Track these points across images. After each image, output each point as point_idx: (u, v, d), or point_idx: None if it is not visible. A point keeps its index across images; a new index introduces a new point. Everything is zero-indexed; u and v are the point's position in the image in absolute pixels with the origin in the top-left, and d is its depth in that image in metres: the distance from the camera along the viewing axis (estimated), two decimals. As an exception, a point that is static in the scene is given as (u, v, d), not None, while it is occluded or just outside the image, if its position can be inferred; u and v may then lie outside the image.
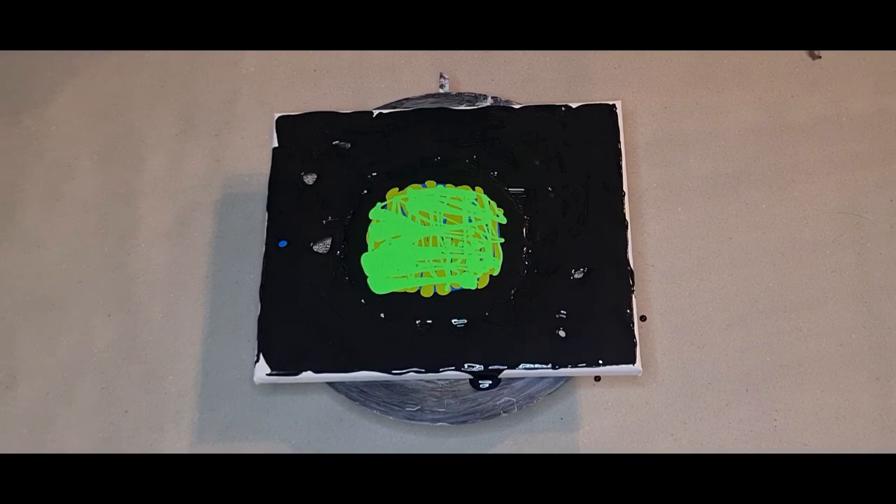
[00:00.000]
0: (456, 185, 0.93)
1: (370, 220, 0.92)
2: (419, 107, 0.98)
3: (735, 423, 0.89)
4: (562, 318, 0.87)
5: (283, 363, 0.87)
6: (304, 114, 0.96)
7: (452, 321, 0.87)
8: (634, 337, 0.86)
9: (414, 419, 0.87)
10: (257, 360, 0.87)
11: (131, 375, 0.93)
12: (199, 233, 0.99)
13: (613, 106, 0.95)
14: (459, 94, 1.00)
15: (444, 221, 0.91)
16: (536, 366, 0.85)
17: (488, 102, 0.98)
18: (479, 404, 0.88)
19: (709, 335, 0.92)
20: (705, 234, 0.96)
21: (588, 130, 0.94)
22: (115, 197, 1.01)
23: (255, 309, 0.90)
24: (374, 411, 0.88)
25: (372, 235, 0.91)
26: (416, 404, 0.88)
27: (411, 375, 0.86)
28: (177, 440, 0.91)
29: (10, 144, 1.04)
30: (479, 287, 0.89)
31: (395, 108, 0.99)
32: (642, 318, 0.93)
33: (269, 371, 0.87)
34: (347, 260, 0.90)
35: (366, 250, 0.91)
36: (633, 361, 0.85)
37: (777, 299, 0.93)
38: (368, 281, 0.89)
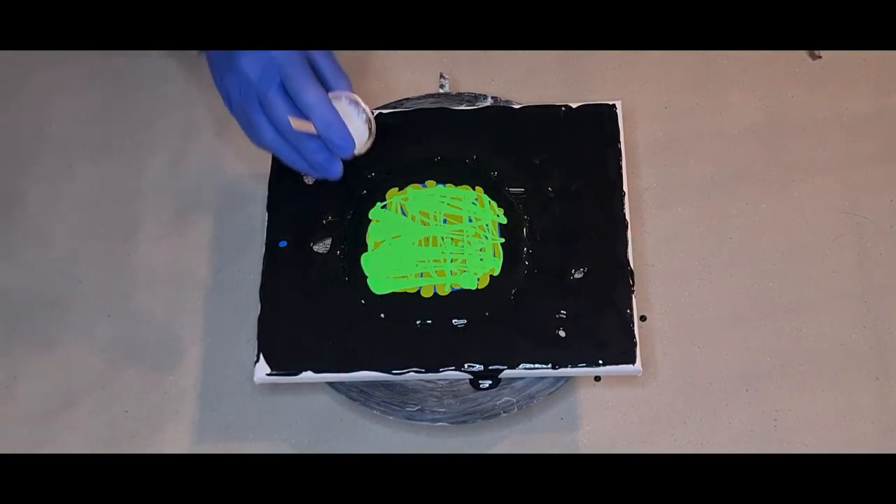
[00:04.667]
0: (456, 185, 0.93)
1: (370, 220, 0.92)
2: (419, 107, 0.98)
3: (735, 423, 0.89)
4: (562, 318, 0.87)
5: (283, 363, 0.87)
6: (304, 114, 0.95)
7: (452, 321, 0.87)
8: (634, 337, 0.86)
9: (414, 419, 0.87)
10: (257, 360, 0.87)
11: (131, 375, 0.93)
12: (199, 233, 0.99)
13: (613, 106, 0.95)
14: (459, 94, 1.00)
15: (445, 221, 0.92)
16: (536, 366, 0.85)
17: (488, 102, 0.98)
18: (479, 404, 0.88)
19: (709, 335, 0.92)
20: (705, 234, 0.96)
21: (588, 130, 0.94)
22: (115, 197, 1.01)
23: (255, 309, 0.90)
24: (374, 411, 0.88)
25: (372, 235, 0.91)
26: (416, 404, 0.88)
27: (411, 375, 0.86)
28: (177, 440, 0.91)
29: (10, 144, 1.04)
30: (479, 287, 0.89)
31: (395, 108, 0.99)
32: (642, 318, 0.93)
33: (269, 371, 0.87)
34: (347, 260, 0.90)
35: (366, 250, 0.91)
36: (633, 361, 0.85)
37: (777, 299, 0.93)
38: (368, 281, 0.89)
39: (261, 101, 0.84)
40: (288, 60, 0.84)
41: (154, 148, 1.03)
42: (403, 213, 0.92)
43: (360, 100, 0.88)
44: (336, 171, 0.88)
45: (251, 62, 0.84)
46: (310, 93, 0.84)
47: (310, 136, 0.85)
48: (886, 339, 0.92)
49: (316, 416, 0.91)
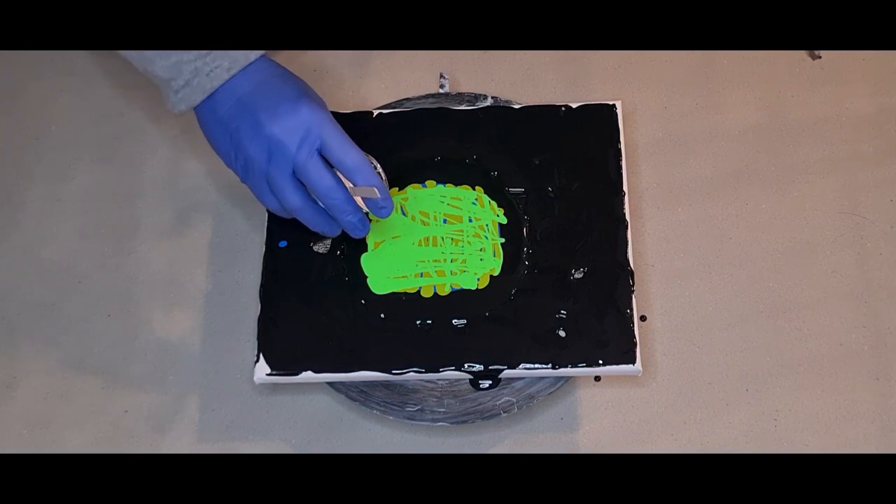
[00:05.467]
0: (456, 185, 0.93)
1: (370, 220, 0.92)
2: (419, 107, 0.98)
3: (735, 423, 0.89)
4: (562, 318, 0.87)
5: (283, 363, 0.87)
6: (304, 114, 0.95)
7: (452, 321, 0.87)
8: (634, 337, 0.86)
9: (414, 419, 0.87)
10: (257, 360, 0.87)
11: (131, 375, 0.93)
12: (199, 233, 0.99)
13: (613, 106, 0.95)
14: (459, 94, 1.00)
15: (445, 221, 0.92)
16: (536, 366, 0.85)
17: (488, 102, 0.98)
18: (479, 404, 0.88)
19: (709, 335, 0.92)
20: (705, 234, 0.96)
21: (588, 130, 0.94)
22: (115, 197, 1.01)
23: (255, 309, 0.90)
24: (374, 411, 0.88)
25: (372, 235, 0.91)
26: (416, 404, 0.88)
27: (411, 375, 0.86)
28: (177, 440, 0.91)
29: (10, 145, 1.04)
30: (479, 287, 0.89)
31: (395, 108, 0.99)
32: (642, 318, 0.93)
33: (269, 371, 0.87)
34: (347, 260, 0.90)
35: (366, 250, 0.91)
36: (633, 361, 0.85)
37: (777, 299, 0.93)
38: (368, 281, 0.89)
39: (297, 166, 0.83)
40: (324, 124, 0.83)
41: (154, 148, 1.03)
42: (403, 213, 0.92)
43: (371, 157, 0.89)
44: (367, 230, 0.88)
45: (287, 128, 0.82)
46: (352, 156, 0.83)
47: (347, 198, 0.85)
48: (886, 339, 0.92)
49: (316, 416, 0.91)
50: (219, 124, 0.85)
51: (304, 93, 0.85)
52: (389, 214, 0.87)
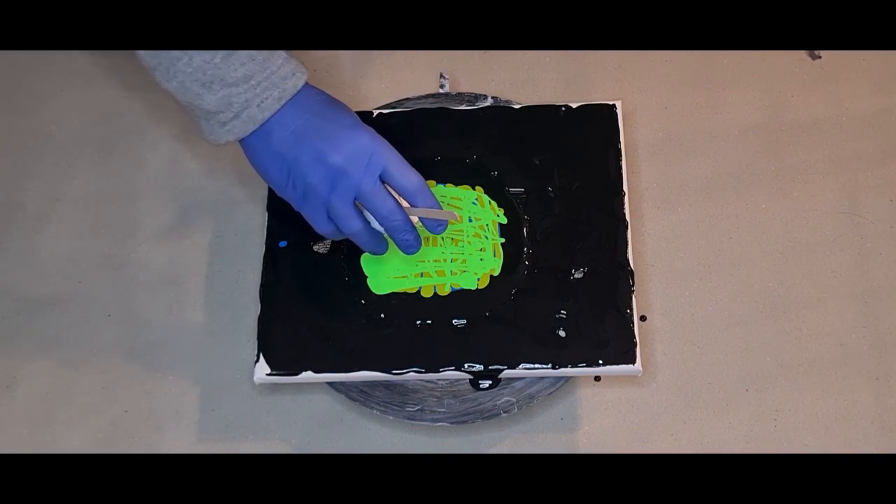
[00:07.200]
0: (456, 184, 0.93)
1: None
2: (419, 107, 0.98)
3: (735, 423, 0.89)
4: (562, 318, 0.87)
5: (283, 363, 0.87)
6: (304, 114, 0.95)
7: (452, 321, 0.87)
8: (634, 337, 0.86)
9: (414, 419, 0.87)
10: (257, 360, 0.87)
11: (131, 375, 0.93)
12: (199, 233, 0.99)
13: (613, 106, 0.95)
14: (459, 94, 1.00)
15: (444, 221, 0.91)
16: (536, 366, 0.85)
17: (488, 102, 0.98)
18: (479, 404, 0.88)
19: (709, 335, 0.92)
20: (705, 234, 0.96)
21: (588, 130, 0.94)
22: (115, 197, 1.01)
23: (255, 309, 0.90)
24: (374, 411, 0.88)
25: (372, 235, 0.91)
26: (416, 404, 0.88)
27: (411, 375, 0.86)
28: (177, 440, 0.91)
29: (10, 144, 1.04)
30: (479, 287, 0.89)
31: (395, 108, 0.99)
32: (642, 318, 0.93)
33: (269, 371, 0.87)
34: (347, 260, 0.90)
35: (366, 250, 0.91)
36: (633, 361, 0.85)
37: (777, 299, 0.93)
38: (368, 281, 0.89)
39: (361, 193, 0.82)
40: (383, 150, 0.83)
41: (154, 148, 1.03)
42: (403, 213, 0.92)
43: None
44: (420, 246, 0.88)
45: (349, 157, 0.82)
46: (412, 179, 0.84)
47: (406, 218, 0.85)
48: (886, 339, 0.92)
49: (316, 416, 0.91)
50: (274, 155, 0.84)
51: (356, 119, 0.85)
52: (442, 232, 0.87)
